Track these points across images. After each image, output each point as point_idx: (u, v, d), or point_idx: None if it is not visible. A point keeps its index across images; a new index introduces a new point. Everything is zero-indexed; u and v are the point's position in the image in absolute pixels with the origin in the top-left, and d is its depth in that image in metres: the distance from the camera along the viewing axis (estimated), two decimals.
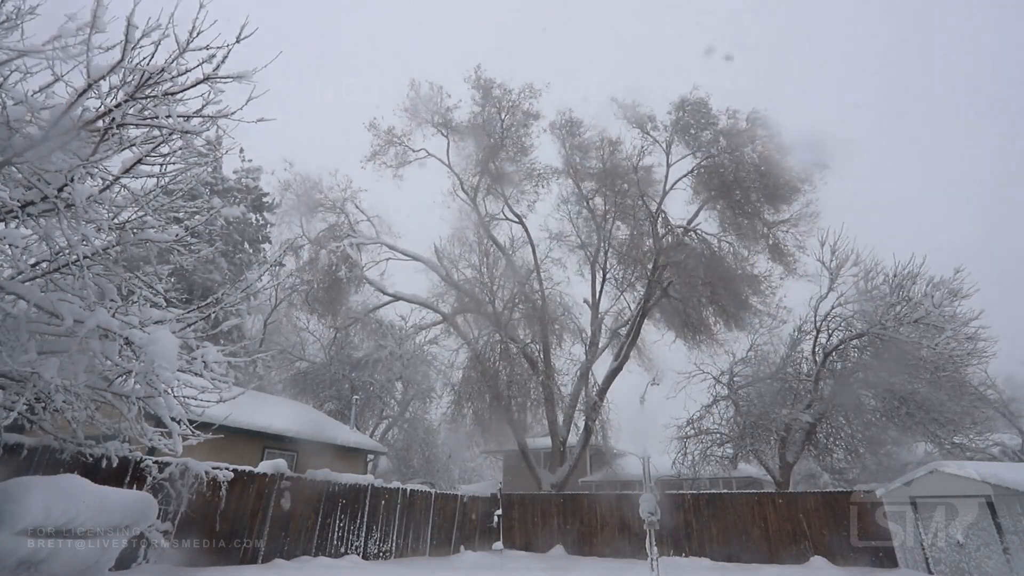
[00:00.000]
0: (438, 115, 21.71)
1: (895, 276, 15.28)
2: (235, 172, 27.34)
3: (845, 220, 17.38)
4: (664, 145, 20.74)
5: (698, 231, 20.24)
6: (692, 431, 18.00)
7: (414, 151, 22.27)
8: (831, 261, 16.28)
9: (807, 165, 18.79)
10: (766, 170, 18.84)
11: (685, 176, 20.72)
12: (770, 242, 19.20)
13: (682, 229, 20.14)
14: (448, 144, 22.14)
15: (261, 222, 27.37)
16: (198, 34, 4.99)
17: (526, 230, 22.29)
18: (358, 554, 12.38)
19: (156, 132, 5.35)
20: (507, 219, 22.63)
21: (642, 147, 20.87)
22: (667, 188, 20.77)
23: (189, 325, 6.63)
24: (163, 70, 4.97)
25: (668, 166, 20.81)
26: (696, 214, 20.53)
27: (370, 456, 18.44)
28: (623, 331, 20.87)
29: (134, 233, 5.82)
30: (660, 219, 20.54)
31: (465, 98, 21.95)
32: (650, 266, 19.75)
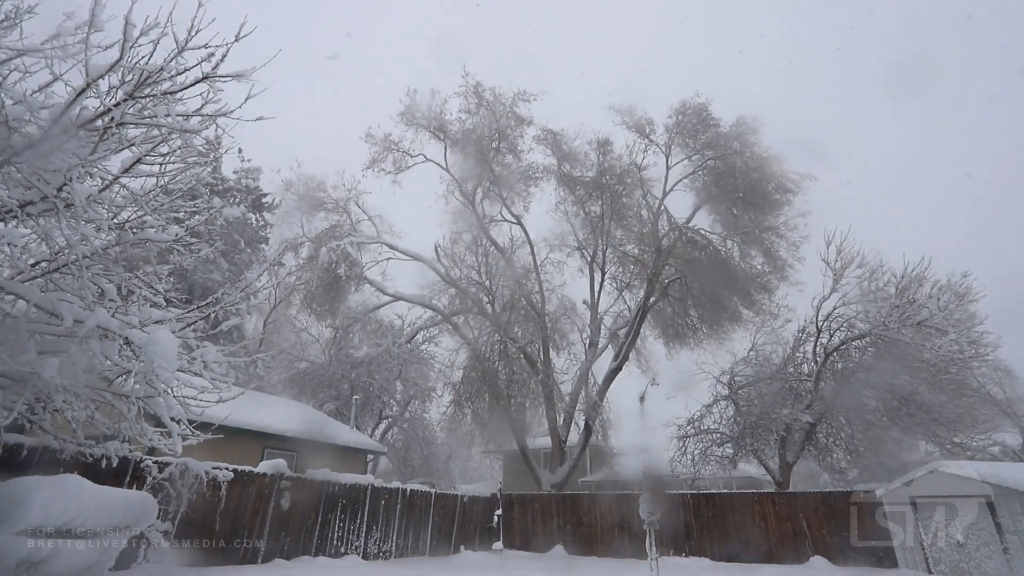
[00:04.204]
0: (435, 120, 21.70)
1: (902, 278, 15.15)
2: (235, 172, 27.38)
3: (853, 221, 17.20)
4: (663, 147, 20.80)
5: (701, 231, 20.28)
6: (692, 430, 17.98)
7: (412, 156, 22.20)
8: (836, 261, 16.12)
9: (797, 175, 19.03)
10: (758, 175, 18.99)
11: (685, 178, 20.73)
12: (764, 246, 19.27)
13: (685, 229, 20.13)
14: (445, 148, 22.11)
15: (261, 222, 27.42)
16: (196, 33, 4.98)
17: (525, 231, 22.34)
18: (358, 554, 12.38)
19: (155, 131, 5.34)
20: (505, 220, 22.66)
21: (644, 147, 20.95)
22: (667, 189, 20.83)
23: (189, 325, 6.62)
24: (162, 69, 4.96)
25: (668, 167, 20.88)
26: (693, 215, 20.63)
27: (370, 456, 18.43)
28: (622, 332, 20.87)
29: (134, 233, 5.81)
30: (661, 218, 20.57)
31: (461, 103, 21.98)
32: (650, 266, 19.76)
